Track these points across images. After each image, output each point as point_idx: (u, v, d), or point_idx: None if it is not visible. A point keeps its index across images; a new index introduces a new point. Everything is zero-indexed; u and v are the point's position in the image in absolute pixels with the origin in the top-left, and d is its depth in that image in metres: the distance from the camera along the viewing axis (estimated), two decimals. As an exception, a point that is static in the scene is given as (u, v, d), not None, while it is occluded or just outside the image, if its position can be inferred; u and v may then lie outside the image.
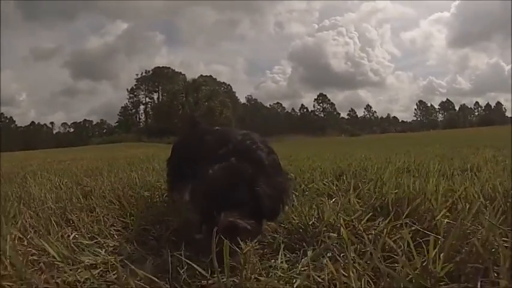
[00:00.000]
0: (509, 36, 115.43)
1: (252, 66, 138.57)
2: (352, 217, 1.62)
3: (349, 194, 2.06)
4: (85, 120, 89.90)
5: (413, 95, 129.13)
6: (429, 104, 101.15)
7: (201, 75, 73.34)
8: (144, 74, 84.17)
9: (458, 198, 1.79)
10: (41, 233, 1.74)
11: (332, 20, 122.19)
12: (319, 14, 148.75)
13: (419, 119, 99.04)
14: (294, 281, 1.07)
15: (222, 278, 1.07)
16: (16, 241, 1.58)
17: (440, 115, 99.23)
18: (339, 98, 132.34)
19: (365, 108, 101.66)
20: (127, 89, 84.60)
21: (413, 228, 1.40)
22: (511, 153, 4.64)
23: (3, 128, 72.67)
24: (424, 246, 1.17)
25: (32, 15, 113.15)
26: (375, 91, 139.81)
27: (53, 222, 1.87)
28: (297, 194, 2.35)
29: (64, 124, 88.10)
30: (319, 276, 1.08)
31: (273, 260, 1.26)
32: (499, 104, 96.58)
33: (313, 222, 1.59)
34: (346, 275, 1.00)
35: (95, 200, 2.44)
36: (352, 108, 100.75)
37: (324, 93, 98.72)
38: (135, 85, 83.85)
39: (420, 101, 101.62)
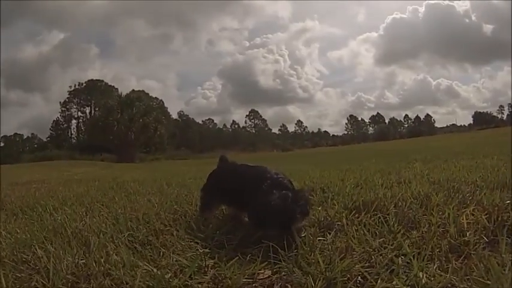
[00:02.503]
0: (436, 54, 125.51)
1: (183, 82, 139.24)
2: (344, 213, 2.76)
3: (334, 201, 3.21)
4: (15, 134, 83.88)
5: (342, 110, 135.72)
6: (360, 118, 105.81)
7: (133, 90, 71.64)
8: (77, 87, 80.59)
9: (398, 200, 3.03)
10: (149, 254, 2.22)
11: (264, 38, 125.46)
12: (250, 33, 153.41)
13: (350, 132, 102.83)
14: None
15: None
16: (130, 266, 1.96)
17: (371, 128, 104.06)
18: (268, 113, 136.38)
19: (296, 124, 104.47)
20: (59, 102, 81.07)
21: (377, 216, 2.61)
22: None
23: None
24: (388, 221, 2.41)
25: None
26: (304, 107, 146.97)
27: (152, 244, 2.39)
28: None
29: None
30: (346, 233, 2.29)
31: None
32: (428, 116, 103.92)
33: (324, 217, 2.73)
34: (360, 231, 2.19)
35: (157, 225, 2.88)
36: (283, 124, 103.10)
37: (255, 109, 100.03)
38: (68, 98, 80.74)
39: (351, 115, 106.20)
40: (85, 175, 13.16)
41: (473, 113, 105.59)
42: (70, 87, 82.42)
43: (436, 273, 1.69)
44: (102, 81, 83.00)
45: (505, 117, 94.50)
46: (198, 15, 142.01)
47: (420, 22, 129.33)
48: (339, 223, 2.59)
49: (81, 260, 2.13)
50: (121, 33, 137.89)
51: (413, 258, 1.81)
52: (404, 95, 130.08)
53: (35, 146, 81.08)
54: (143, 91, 77.84)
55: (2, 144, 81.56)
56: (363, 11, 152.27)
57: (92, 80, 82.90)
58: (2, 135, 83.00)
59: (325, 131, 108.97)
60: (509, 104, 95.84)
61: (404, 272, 1.74)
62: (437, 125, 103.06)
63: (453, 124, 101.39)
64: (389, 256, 1.90)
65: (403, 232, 2.25)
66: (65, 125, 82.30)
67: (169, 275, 1.86)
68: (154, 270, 1.89)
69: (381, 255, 1.96)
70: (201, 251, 2.19)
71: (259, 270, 1.90)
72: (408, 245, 2.02)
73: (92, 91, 79.56)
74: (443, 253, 1.95)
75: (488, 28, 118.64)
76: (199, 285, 1.78)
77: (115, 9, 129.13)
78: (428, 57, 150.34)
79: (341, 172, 6.38)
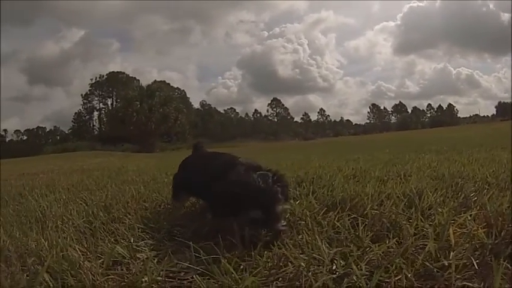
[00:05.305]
0: (455, 44, 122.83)
1: (203, 73, 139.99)
2: (313, 212, 2.35)
3: (309, 197, 2.77)
4: (38, 127, 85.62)
5: (363, 99, 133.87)
6: (382, 107, 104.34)
7: (155, 81, 71.59)
8: (98, 79, 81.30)
9: (386, 197, 2.57)
10: (92, 242, 2.08)
11: (282, 28, 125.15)
12: (266, 25, 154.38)
13: (372, 121, 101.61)
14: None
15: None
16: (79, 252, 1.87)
17: (393, 117, 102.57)
18: (289, 103, 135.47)
19: (318, 112, 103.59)
20: (81, 95, 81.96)
21: (352, 216, 2.16)
22: None
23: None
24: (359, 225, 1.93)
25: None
26: (324, 96, 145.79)
27: (98, 233, 2.26)
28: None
29: (17, 131, 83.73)
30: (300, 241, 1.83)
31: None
32: (450, 105, 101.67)
33: (288, 217, 2.28)
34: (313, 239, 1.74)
35: (116, 213, 2.82)
36: (305, 113, 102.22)
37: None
38: (89, 90, 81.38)
39: (373, 104, 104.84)
40: (97, 165, 12.94)
41: (496, 103, 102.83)
42: (91, 79, 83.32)
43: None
44: (123, 73, 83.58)
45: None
46: (214, 10, 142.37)
47: (437, 10, 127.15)
48: (302, 223, 2.18)
49: (34, 241, 2.11)
50: (140, 28, 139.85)
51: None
52: (424, 84, 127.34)
53: (58, 138, 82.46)
54: (164, 82, 78.10)
55: (24, 138, 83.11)
56: (377, 1, 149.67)
57: (113, 72, 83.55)
58: (25, 129, 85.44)
59: (348, 120, 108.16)
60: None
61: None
62: (460, 115, 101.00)
63: (476, 114, 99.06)
64: (325, 278, 1.42)
65: (367, 242, 1.76)
66: (87, 117, 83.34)
67: (93, 262, 1.74)
68: (75, 254, 1.80)
69: (316, 273, 1.50)
70: (141, 242, 2.08)
71: (185, 269, 1.66)
72: (368, 262, 1.55)
73: (113, 83, 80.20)
74: (406, 282, 1.41)
75: (506, 17, 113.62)
76: (111, 277, 1.65)
77: (132, 6, 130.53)
78: (447, 47, 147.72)
79: (346, 162, 6.11)
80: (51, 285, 1.53)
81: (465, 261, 1.52)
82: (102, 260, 1.79)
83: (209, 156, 2.86)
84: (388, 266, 1.50)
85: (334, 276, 1.45)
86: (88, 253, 1.91)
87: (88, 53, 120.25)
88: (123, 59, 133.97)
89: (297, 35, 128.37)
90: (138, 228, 2.33)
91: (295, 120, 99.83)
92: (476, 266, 1.49)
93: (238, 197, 1.91)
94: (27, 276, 1.63)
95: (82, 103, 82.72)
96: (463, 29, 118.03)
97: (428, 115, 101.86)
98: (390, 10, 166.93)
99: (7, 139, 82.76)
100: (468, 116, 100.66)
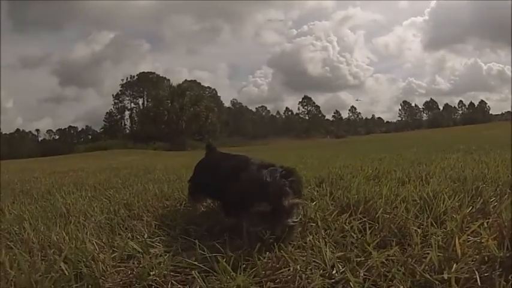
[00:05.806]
0: (485, 38, 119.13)
1: (234, 71, 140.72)
2: (326, 213, 2.35)
3: (326, 198, 2.79)
4: (70, 126, 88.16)
5: (394, 97, 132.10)
6: (413, 104, 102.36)
7: (186, 80, 71.99)
8: (129, 80, 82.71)
9: (401, 200, 2.51)
10: (110, 237, 2.21)
11: (311, 26, 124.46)
12: (295, 23, 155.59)
13: (404, 119, 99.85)
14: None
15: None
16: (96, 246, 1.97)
17: (424, 114, 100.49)
18: (320, 100, 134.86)
19: (349, 110, 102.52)
20: (112, 95, 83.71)
21: (364, 219, 2.14)
22: None
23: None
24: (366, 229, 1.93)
25: (20, 25, 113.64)
26: (355, 93, 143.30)
27: (116, 228, 2.40)
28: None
29: (49, 131, 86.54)
30: (305, 243, 1.85)
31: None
32: (482, 102, 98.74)
33: (300, 218, 2.22)
34: (318, 241, 1.76)
35: (137, 210, 2.95)
36: (337, 110, 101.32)
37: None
38: (120, 90, 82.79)
39: (404, 101, 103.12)
40: (127, 163, 13.18)
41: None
42: (122, 80, 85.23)
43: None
44: (154, 73, 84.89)
45: None
46: (243, 9, 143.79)
47: (465, 4, 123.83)
48: (313, 225, 2.19)
49: (56, 235, 2.21)
50: (169, 29, 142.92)
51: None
52: (455, 81, 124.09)
53: (89, 137, 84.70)
54: (195, 81, 78.70)
55: (56, 137, 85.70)
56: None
57: (143, 72, 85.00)
58: (56, 128, 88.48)
59: (379, 118, 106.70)
60: None
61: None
62: (492, 112, 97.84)
63: (508, 111, 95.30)
64: (318, 282, 1.44)
65: (372, 247, 1.73)
66: (118, 116, 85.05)
67: (107, 255, 1.85)
68: (91, 247, 1.91)
69: (311, 277, 1.50)
70: (155, 238, 2.18)
71: (192, 266, 1.71)
72: (368, 269, 1.54)
73: (144, 83, 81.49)
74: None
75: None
76: (121, 269, 1.76)
77: (161, 7, 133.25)
78: (477, 41, 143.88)
79: (372, 161, 6.11)
80: (66, 273, 1.63)
81: (467, 275, 1.43)
82: (116, 253, 1.90)
83: (222, 159, 2.85)
84: (387, 274, 1.48)
85: (331, 281, 1.46)
86: (104, 247, 2.02)
87: (119, 54, 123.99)
88: (153, 59, 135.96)
89: (325, 33, 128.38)
90: (155, 225, 2.45)
91: (326, 118, 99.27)
92: (479, 281, 1.39)
93: (245, 191, 1.95)
94: (46, 265, 1.73)
95: (113, 103, 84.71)
96: (492, 23, 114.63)
97: (460, 112, 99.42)
98: (418, 5, 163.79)
99: (39, 138, 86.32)
100: (500, 113, 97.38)
